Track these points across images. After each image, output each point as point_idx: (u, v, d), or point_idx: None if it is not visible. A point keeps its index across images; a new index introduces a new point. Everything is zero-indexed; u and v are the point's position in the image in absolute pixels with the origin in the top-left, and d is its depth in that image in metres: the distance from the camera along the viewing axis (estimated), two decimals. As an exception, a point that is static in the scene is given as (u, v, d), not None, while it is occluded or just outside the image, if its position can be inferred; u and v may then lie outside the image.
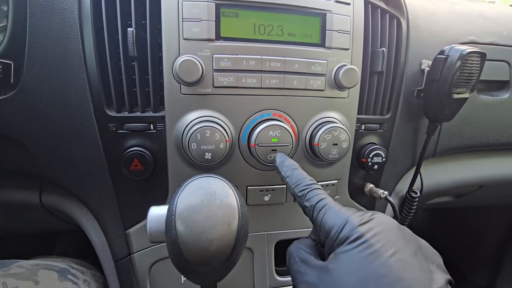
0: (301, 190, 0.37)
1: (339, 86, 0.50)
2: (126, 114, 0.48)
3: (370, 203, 0.64)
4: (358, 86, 0.53)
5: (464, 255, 1.48)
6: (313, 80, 0.49)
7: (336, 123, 0.50)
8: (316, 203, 0.34)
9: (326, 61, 0.49)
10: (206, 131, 0.44)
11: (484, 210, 1.37)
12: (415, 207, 0.71)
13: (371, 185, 0.61)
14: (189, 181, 0.34)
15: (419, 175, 0.70)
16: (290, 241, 0.58)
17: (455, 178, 0.78)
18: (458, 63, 0.54)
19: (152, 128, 0.49)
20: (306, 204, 0.36)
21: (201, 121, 0.46)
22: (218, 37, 0.46)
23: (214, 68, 0.46)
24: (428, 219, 1.57)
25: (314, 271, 0.30)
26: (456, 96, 0.57)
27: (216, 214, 0.31)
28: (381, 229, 0.28)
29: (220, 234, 0.30)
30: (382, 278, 0.25)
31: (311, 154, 0.52)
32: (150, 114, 0.49)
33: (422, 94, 0.61)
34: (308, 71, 0.48)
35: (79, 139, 0.49)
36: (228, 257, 0.32)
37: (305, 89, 0.49)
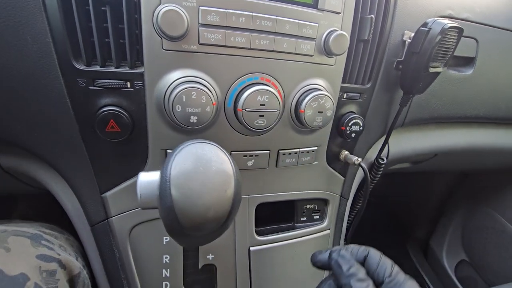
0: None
1: (328, 52, 0.49)
2: (97, 68, 0.43)
3: (344, 169, 0.67)
4: (345, 54, 0.52)
5: (409, 214, 1.69)
6: (303, 44, 0.47)
7: (322, 90, 0.50)
8: None
9: (317, 25, 0.47)
10: (192, 93, 0.41)
11: (430, 175, 1.54)
12: (381, 172, 0.77)
13: (346, 152, 0.64)
14: (181, 147, 0.33)
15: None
16: (269, 204, 0.61)
17: (416, 146, 0.85)
18: (439, 37, 0.56)
19: (129, 86, 0.44)
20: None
21: (185, 81, 0.43)
22: (206, -15, 0.41)
23: (200, 22, 0.42)
24: (382, 183, 1.74)
25: None
26: (431, 70, 0.60)
27: (213, 181, 0.30)
28: None
29: (217, 201, 0.30)
30: None
31: (295, 121, 0.52)
32: (126, 70, 0.44)
33: (400, 66, 0.63)
34: (299, 34, 0.47)
35: (42, 95, 0.43)
36: (223, 223, 0.32)
37: (295, 53, 0.48)
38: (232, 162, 0.33)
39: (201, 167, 0.30)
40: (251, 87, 0.45)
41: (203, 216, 0.30)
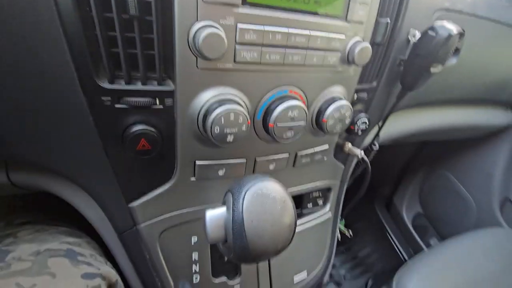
0: None
1: (351, 63, 0.50)
2: (123, 86, 0.40)
3: (345, 158, 0.73)
4: (363, 61, 0.54)
5: (377, 176, 1.89)
6: (330, 56, 0.48)
7: (342, 99, 0.53)
8: None
9: (344, 37, 0.48)
10: (231, 114, 0.41)
11: (397, 145, 1.71)
12: (373, 156, 0.85)
13: (350, 145, 0.70)
14: (245, 187, 0.34)
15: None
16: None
17: (401, 130, 0.94)
18: (444, 41, 0.59)
19: (158, 103, 0.43)
20: None
21: (220, 101, 0.42)
22: (244, 1, 0.38)
23: (237, 41, 0.40)
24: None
25: None
26: (432, 70, 0.64)
27: (279, 219, 0.33)
28: None
29: (284, 236, 0.33)
30: None
31: (315, 128, 0.55)
32: (155, 87, 0.42)
33: (402, 63, 0.67)
34: (327, 47, 0.47)
35: (63, 115, 0.40)
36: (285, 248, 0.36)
37: (322, 66, 0.48)
38: (288, 195, 0.36)
39: (269, 208, 0.33)
40: (282, 103, 0.46)
41: (273, 251, 0.33)
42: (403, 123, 0.94)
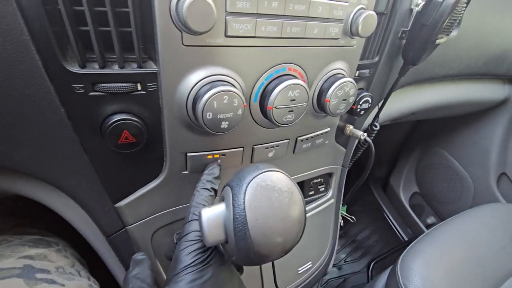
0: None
1: (354, 34, 0.45)
2: (97, 69, 0.34)
3: (346, 141, 0.69)
4: (367, 33, 0.49)
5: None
6: (332, 27, 0.43)
7: (345, 76, 0.48)
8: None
9: (347, 4, 0.42)
10: (224, 97, 0.36)
11: (392, 124, 1.69)
12: (373, 136, 0.81)
13: (351, 127, 0.65)
14: (247, 179, 0.29)
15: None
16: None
17: (400, 108, 0.90)
18: (451, 8, 0.54)
19: (140, 88, 0.37)
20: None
21: (212, 82, 0.37)
22: (233, -38, 0.33)
23: (227, 10, 0.34)
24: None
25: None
26: (438, 41, 0.59)
27: (289, 214, 0.28)
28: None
29: (294, 233, 0.29)
30: None
31: (317, 109, 0.50)
32: (135, 70, 0.36)
33: (404, 35, 0.62)
34: (329, 16, 0.41)
35: (30, 107, 0.34)
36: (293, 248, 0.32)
37: (323, 38, 0.43)
38: (296, 186, 0.31)
39: (275, 202, 0.28)
40: (280, 82, 0.41)
41: (280, 251, 0.29)
42: (402, 102, 0.90)
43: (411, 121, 1.65)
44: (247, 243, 0.28)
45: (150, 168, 0.45)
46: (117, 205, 0.46)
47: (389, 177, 1.78)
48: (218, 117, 0.37)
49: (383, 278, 0.93)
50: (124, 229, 0.48)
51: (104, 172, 0.42)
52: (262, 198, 0.28)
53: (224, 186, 0.34)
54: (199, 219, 0.30)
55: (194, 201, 0.39)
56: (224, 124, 0.38)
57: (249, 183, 0.29)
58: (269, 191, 0.29)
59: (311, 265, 0.69)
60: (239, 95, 0.37)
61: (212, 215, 0.30)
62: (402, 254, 0.88)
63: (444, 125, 1.48)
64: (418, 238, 0.94)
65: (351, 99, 0.49)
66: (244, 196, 0.28)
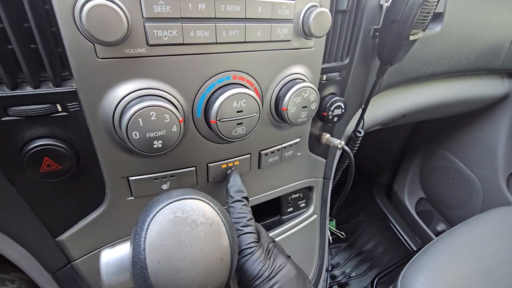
0: (238, 229, 0.38)
1: (307, 35, 0.41)
2: (6, 91, 0.31)
3: (325, 151, 0.64)
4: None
5: (374, 163, 1.80)
6: (279, 28, 0.38)
7: (305, 81, 0.43)
8: (243, 249, 0.37)
9: (294, 1, 0.38)
10: (151, 113, 0.32)
11: (391, 128, 1.62)
12: (358, 144, 0.75)
13: (328, 135, 0.60)
14: (152, 212, 0.24)
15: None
16: (258, 206, 0.56)
17: (388, 111, 0.85)
18: (421, 1, 0.50)
19: (60, 109, 0.33)
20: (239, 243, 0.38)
21: (138, 98, 0.33)
22: (144, -38, 0.29)
23: (144, 16, 0.30)
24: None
25: None
26: (411, 37, 0.55)
27: (205, 252, 0.23)
28: (283, 282, 0.35)
29: (213, 275, 0.24)
30: None
31: (276, 118, 0.45)
32: (51, 89, 0.32)
33: (377, 33, 0.57)
34: (273, 17, 0.37)
35: None
36: (224, 288, 0.26)
37: (270, 41, 0.39)
38: (221, 215, 0.26)
39: (186, 238, 0.23)
40: (223, 92, 0.36)
41: None
42: (390, 104, 0.84)
43: (412, 124, 1.58)
44: (149, 293, 0.23)
45: (91, 196, 0.40)
46: (58, 238, 0.41)
47: (393, 184, 1.69)
48: (148, 136, 0.33)
49: (385, 296, 0.85)
50: (69, 265, 0.43)
51: (37, 204, 0.38)
52: (167, 235, 0.23)
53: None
54: (98, 262, 0.25)
55: (233, 218, 0.39)
56: (157, 144, 0.34)
57: (154, 216, 0.24)
58: (178, 225, 0.24)
59: None
60: (169, 110, 0.33)
61: (113, 259, 0.25)
62: (403, 270, 0.81)
63: (446, 126, 1.41)
64: (421, 251, 0.86)
65: (313, 106, 0.44)
66: (146, 234, 0.23)
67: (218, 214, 0.26)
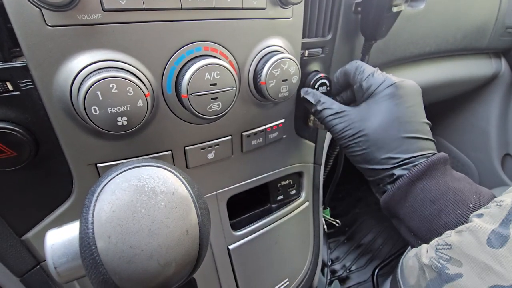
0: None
1: (283, 2, 0.38)
2: None
3: (313, 134, 0.61)
4: (303, 2, 0.42)
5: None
6: (251, -6, 0.36)
7: (283, 52, 0.41)
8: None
9: (265, -36, 0.36)
10: (111, 85, 0.29)
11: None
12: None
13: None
14: (103, 182, 0.21)
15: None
16: (246, 195, 0.53)
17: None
18: (401, -32, 0.48)
19: (11, 88, 0.30)
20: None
21: (97, 70, 0.30)
22: None
23: (96, -24, 0.28)
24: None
25: (354, 110, 0.42)
26: (394, 9, 0.52)
27: (165, 223, 0.20)
28: (406, 91, 0.40)
29: (178, 250, 0.21)
30: (399, 118, 0.39)
31: (256, 95, 0.42)
32: None
33: (359, 9, 0.55)
34: (244, -19, 0.35)
35: None
36: (192, 271, 0.23)
37: (242, 8, 0.36)
38: (187, 184, 0.23)
39: (142, 208, 0.20)
40: (193, 63, 0.33)
41: (161, 277, 0.21)
42: (378, 87, 0.82)
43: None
44: (99, 273, 0.19)
45: (57, 187, 0.37)
46: (24, 237, 0.38)
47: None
48: (110, 112, 0.30)
49: (386, 286, 0.83)
50: (38, 266, 0.40)
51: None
52: (119, 205, 0.20)
53: None
54: (44, 245, 0.22)
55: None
56: (122, 121, 0.31)
57: (105, 185, 0.21)
58: (133, 194, 0.21)
59: (288, 282, 0.59)
60: (132, 82, 0.30)
61: (60, 241, 0.21)
62: (402, 257, 0.78)
63: (436, 111, 1.40)
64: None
65: (294, 79, 0.42)
66: (94, 205, 0.20)
67: (183, 183, 0.23)
